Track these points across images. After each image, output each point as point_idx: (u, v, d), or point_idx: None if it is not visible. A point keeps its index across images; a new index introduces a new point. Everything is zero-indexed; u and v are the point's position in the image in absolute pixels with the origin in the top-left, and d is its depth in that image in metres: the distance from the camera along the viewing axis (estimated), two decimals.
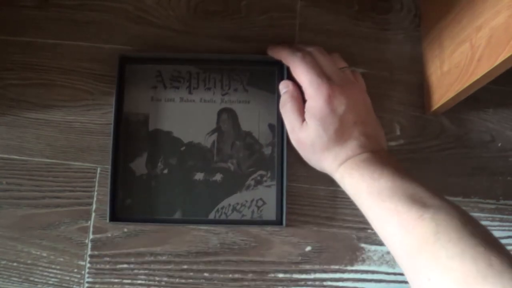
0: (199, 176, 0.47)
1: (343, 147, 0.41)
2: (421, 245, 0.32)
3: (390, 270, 0.47)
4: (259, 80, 0.48)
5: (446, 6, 0.45)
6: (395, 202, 0.35)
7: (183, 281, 0.46)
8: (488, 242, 0.30)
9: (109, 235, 0.46)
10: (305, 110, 0.42)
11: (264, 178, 0.47)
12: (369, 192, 0.38)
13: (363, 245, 0.47)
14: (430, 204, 0.34)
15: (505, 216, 0.48)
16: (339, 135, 0.41)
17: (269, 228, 0.47)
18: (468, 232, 0.31)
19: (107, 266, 0.46)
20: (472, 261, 0.29)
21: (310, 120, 0.42)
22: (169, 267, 0.46)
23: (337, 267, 0.47)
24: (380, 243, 0.47)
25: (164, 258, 0.46)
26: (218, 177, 0.47)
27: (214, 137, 0.47)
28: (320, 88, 0.41)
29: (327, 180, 0.45)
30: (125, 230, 0.46)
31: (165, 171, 0.47)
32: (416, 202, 0.35)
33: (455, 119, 0.49)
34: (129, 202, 0.46)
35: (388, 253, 0.47)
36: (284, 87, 0.45)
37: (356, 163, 0.40)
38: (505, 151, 0.49)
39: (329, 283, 0.46)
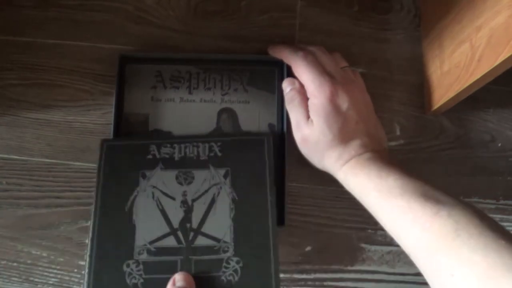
0: None
1: (346, 146, 0.41)
2: (441, 242, 0.32)
3: (390, 270, 0.47)
4: (259, 80, 0.48)
5: (446, 6, 0.45)
6: (407, 199, 0.35)
7: None
8: (507, 236, 0.30)
9: None
10: (309, 107, 0.42)
11: None
12: (378, 191, 0.38)
13: (363, 245, 0.47)
14: (443, 201, 0.34)
15: (505, 216, 0.48)
16: (343, 134, 0.41)
17: None
18: (487, 227, 0.31)
19: None
20: (496, 254, 0.29)
21: (315, 117, 0.42)
22: None
23: (337, 267, 0.47)
24: (380, 243, 0.47)
25: None
26: None
27: None
28: (323, 86, 0.41)
29: (327, 180, 0.45)
30: None
31: None
32: (430, 199, 0.34)
33: (455, 119, 0.49)
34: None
35: (388, 253, 0.47)
36: (290, 84, 0.45)
37: (360, 162, 0.40)
38: (505, 151, 0.49)
39: (329, 283, 0.46)
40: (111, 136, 0.46)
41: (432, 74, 0.48)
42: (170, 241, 0.42)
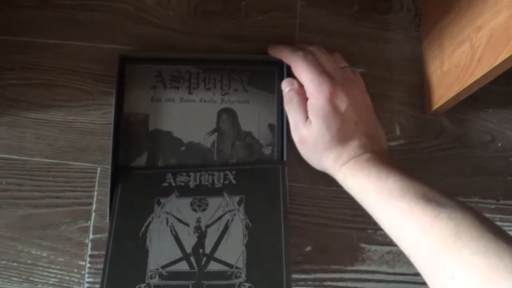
0: None
1: (345, 147, 0.41)
2: (442, 244, 0.32)
3: (390, 270, 0.47)
4: (259, 80, 0.48)
5: (446, 6, 0.45)
6: (408, 201, 0.35)
7: None
8: (507, 239, 0.30)
9: None
10: (308, 107, 0.42)
11: None
12: (378, 192, 0.38)
13: (363, 245, 0.47)
14: (444, 203, 0.34)
15: (505, 216, 0.48)
16: (342, 134, 0.41)
17: None
18: (487, 229, 0.31)
19: None
20: (497, 257, 0.29)
21: (313, 118, 0.42)
22: None
23: (337, 267, 0.47)
24: (380, 243, 0.47)
25: None
26: None
27: (214, 137, 0.47)
28: (322, 86, 0.41)
29: (327, 180, 0.45)
30: None
31: None
32: (430, 201, 0.34)
33: (455, 119, 0.49)
34: None
35: (388, 253, 0.47)
36: (289, 84, 0.45)
37: (359, 163, 0.40)
38: (505, 151, 0.49)
39: (329, 283, 0.46)
40: (111, 135, 0.46)
41: (432, 74, 0.48)
42: (183, 266, 0.42)
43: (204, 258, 0.42)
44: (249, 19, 0.50)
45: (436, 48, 0.47)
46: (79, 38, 0.49)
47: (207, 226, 0.43)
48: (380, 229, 0.41)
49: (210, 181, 0.45)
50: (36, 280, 0.45)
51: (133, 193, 0.45)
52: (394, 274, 0.47)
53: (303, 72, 0.43)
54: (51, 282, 0.45)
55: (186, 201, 0.44)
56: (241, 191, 0.45)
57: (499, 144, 0.49)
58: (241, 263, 0.42)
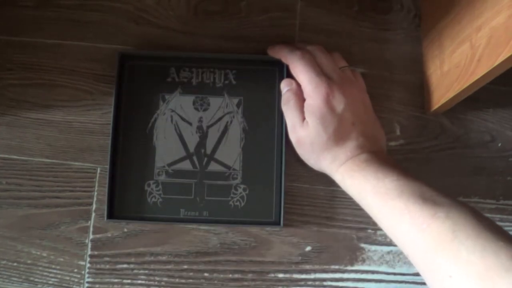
0: None
1: (342, 147, 0.41)
2: (439, 243, 0.32)
3: (390, 270, 0.47)
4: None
5: (446, 6, 0.45)
6: (405, 201, 0.35)
7: (183, 281, 0.46)
8: (505, 237, 0.30)
9: (109, 235, 0.46)
10: (304, 108, 0.42)
11: None
12: (376, 192, 0.38)
13: (363, 245, 0.47)
14: (441, 202, 0.34)
15: (505, 216, 0.48)
16: (338, 135, 0.41)
17: (269, 228, 0.47)
18: (484, 228, 0.31)
19: (107, 266, 0.46)
20: (494, 255, 0.29)
21: (310, 119, 0.42)
22: (169, 267, 0.46)
23: (337, 267, 0.47)
24: (380, 243, 0.47)
25: (164, 258, 0.46)
26: None
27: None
28: (319, 87, 0.41)
29: (327, 180, 0.45)
30: (125, 230, 0.46)
31: None
32: (427, 200, 0.34)
33: (455, 119, 0.49)
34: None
35: (388, 253, 0.47)
36: (287, 85, 0.45)
37: (356, 164, 0.40)
38: (505, 151, 0.49)
39: (329, 283, 0.46)
40: (110, 136, 0.46)
41: (432, 74, 0.48)
42: (186, 165, 0.45)
43: (206, 159, 0.45)
44: (249, 19, 0.50)
45: (436, 48, 0.47)
46: (79, 38, 0.49)
47: (208, 127, 0.46)
48: (380, 229, 0.41)
49: (212, 80, 0.46)
50: (36, 280, 0.45)
51: (139, 86, 0.47)
52: (394, 274, 0.47)
53: (301, 72, 0.43)
54: (51, 282, 0.45)
55: (189, 99, 0.46)
56: (240, 93, 0.47)
57: (499, 144, 0.49)
58: (237, 165, 0.45)
